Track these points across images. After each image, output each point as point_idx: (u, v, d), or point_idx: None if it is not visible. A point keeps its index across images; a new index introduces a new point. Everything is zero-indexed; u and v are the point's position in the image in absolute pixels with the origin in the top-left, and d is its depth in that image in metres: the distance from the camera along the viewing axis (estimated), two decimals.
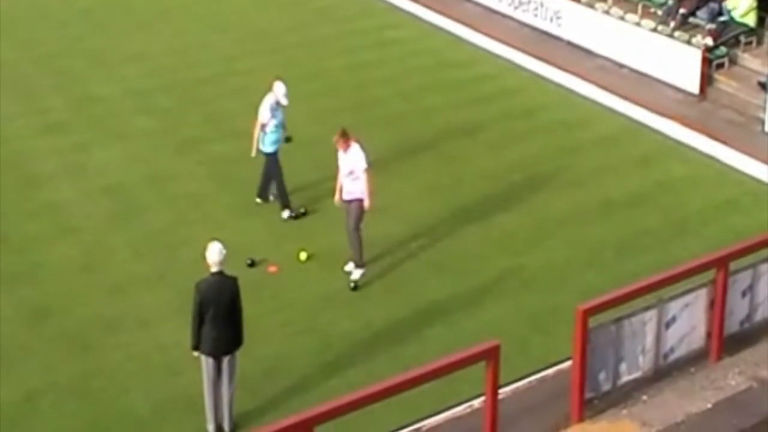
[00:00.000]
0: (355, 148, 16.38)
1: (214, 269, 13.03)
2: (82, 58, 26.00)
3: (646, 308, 12.98)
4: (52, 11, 29.61)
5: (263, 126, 17.95)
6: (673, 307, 13.20)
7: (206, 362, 13.11)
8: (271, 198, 18.59)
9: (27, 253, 17.46)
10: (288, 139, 18.39)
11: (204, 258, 13.10)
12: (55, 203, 19.03)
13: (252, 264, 16.85)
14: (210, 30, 28.03)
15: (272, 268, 16.90)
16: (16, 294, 16.32)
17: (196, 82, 24.51)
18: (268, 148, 18.12)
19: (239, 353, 13.24)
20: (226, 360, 13.13)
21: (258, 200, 18.65)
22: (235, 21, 28.81)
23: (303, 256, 16.92)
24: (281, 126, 18.18)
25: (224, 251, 13.03)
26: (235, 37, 27.52)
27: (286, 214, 18.21)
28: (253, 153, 18.13)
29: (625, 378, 13.05)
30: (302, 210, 18.36)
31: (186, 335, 13.21)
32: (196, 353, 13.16)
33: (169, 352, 14.74)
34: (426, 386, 11.59)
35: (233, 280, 13.11)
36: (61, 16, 29.16)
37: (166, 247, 17.57)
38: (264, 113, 17.96)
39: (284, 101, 18.08)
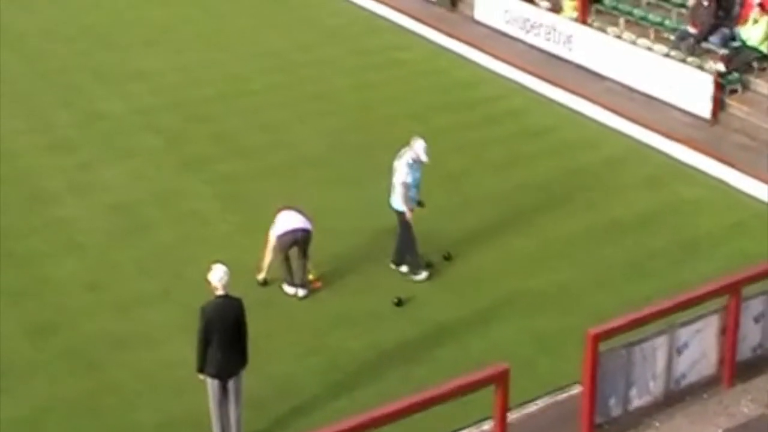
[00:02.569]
0: None
1: (218, 292, 12.95)
2: (88, 75, 25.96)
3: (658, 334, 12.90)
4: (57, 27, 29.61)
5: (406, 185, 16.74)
6: (685, 333, 13.12)
7: (212, 384, 13.03)
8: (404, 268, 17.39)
9: (33, 269, 17.40)
10: (420, 204, 17.13)
11: None
12: (61, 220, 18.95)
13: (264, 283, 16.79)
14: (216, 48, 28.00)
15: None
16: (22, 310, 16.25)
17: (202, 100, 24.46)
18: (400, 207, 16.99)
19: (245, 374, 13.17)
20: (231, 381, 13.04)
21: (392, 266, 17.37)
22: (242, 40, 28.79)
23: (310, 276, 16.82)
24: (417, 185, 16.98)
25: (228, 273, 12.96)
26: (241, 55, 27.49)
27: (422, 275, 17.19)
28: (409, 215, 16.83)
29: (636, 403, 12.97)
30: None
31: (192, 353, 13.10)
32: (201, 376, 13.08)
33: (175, 370, 14.62)
34: (435, 408, 11.50)
35: (238, 302, 13.03)
36: (66, 32, 29.13)
37: (172, 265, 17.49)
38: (403, 171, 16.76)
39: (424, 158, 16.87)
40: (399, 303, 16.46)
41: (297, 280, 16.67)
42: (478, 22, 29.35)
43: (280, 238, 16.45)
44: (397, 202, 16.96)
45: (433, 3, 30.92)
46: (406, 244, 17.17)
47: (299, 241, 16.45)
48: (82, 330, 15.77)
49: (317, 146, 21.88)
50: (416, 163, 16.93)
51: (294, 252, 16.57)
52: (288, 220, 16.57)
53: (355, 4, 31.60)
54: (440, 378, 12.48)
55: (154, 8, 31.44)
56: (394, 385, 14.22)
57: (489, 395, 11.86)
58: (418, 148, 16.94)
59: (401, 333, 15.74)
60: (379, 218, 18.29)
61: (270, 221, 16.62)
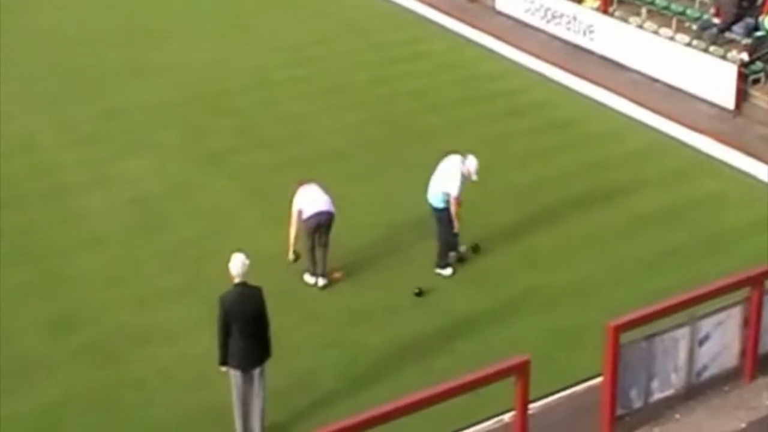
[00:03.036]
0: None
1: (237, 280, 12.93)
2: (108, 70, 25.99)
3: (679, 325, 12.78)
4: (78, 23, 29.70)
5: (458, 201, 16.73)
6: (707, 325, 12.99)
7: (235, 376, 12.98)
8: (462, 249, 17.45)
9: (54, 263, 17.44)
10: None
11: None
12: (82, 214, 18.99)
13: (296, 258, 16.64)
14: (238, 42, 28.02)
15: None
16: (43, 304, 16.28)
17: (221, 93, 24.47)
18: (441, 204, 16.92)
19: (268, 365, 13.14)
20: (256, 373, 13.00)
21: (452, 253, 17.30)
22: (263, 34, 28.79)
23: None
24: None
25: (247, 262, 12.94)
26: (263, 49, 27.49)
27: (448, 271, 17.14)
28: (456, 227, 16.92)
29: (657, 395, 12.86)
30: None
31: (213, 347, 13.08)
32: (224, 368, 13.03)
33: (196, 365, 14.63)
34: (454, 400, 11.45)
35: (257, 290, 13.00)
36: (86, 29, 29.22)
37: (193, 259, 17.48)
38: (456, 185, 16.72)
39: (474, 177, 16.96)
40: (419, 293, 16.42)
41: (319, 270, 16.66)
42: (499, 12, 29.29)
43: (306, 221, 16.38)
44: (437, 199, 16.93)
45: None
46: (443, 239, 17.14)
47: (323, 224, 16.40)
48: (102, 324, 15.78)
49: (338, 139, 21.86)
50: (465, 178, 16.89)
51: (315, 238, 16.52)
52: (313, 201, 16.42)
53: None
54: (460, 371, 12.36)
55: (172, 3, 31.47)
56: (414, 377, 14.17)
57: (509, 389, 11.80)
58: (471, 166, 16.92)
59: (421, 326, 15.70)
60: (400, 212, 18.28)
61: (290, 215, 16.56)
